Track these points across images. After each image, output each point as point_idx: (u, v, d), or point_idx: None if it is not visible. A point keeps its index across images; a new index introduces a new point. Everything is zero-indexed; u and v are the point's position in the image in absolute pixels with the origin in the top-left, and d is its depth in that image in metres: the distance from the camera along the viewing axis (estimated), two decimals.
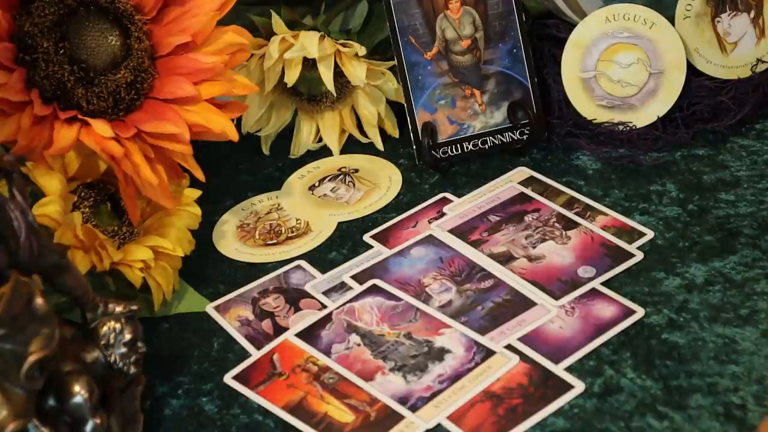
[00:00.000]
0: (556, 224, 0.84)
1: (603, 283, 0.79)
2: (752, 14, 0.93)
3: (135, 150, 0.77)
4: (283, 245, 0.86)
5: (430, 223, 0.86)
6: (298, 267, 0.84)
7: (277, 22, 0.90)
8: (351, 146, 0.96)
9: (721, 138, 0.92)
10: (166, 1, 0.80)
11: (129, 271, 0.77)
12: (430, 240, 0.84)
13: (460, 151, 0.92)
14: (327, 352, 0.76)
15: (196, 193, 0.83)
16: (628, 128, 0.91)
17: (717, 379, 0.71)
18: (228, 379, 0.75)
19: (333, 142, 0.95)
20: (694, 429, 0.68)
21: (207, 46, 0.80)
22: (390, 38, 0.91)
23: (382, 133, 0.95)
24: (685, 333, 0.75)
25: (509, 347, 0.75)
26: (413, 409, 0.71)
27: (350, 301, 0.80)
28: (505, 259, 0.82)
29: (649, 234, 0.83)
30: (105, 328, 0.70)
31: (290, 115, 0.96)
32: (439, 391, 0.72)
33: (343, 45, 0.90)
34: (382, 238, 0.86)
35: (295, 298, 0.81)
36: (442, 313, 0.78)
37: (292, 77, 0.90)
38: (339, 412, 0.72)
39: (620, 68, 0.92)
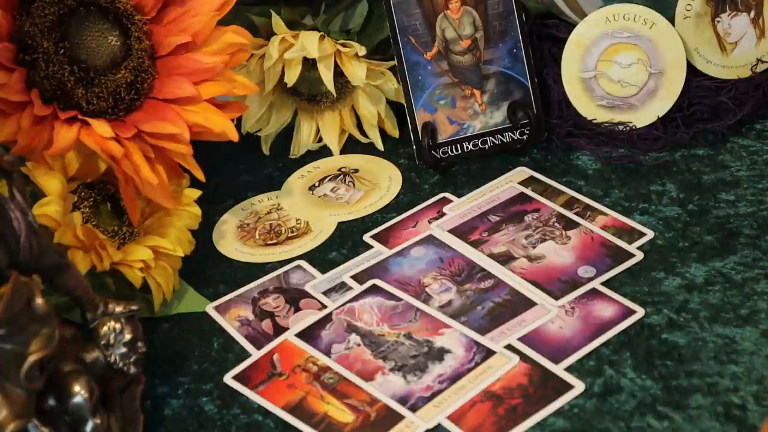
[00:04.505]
0: (556, 224, 0.84)
1: (603, 283, 0.79)
2: (752, 14, 0.93)
3: (135, 150, 0.77)
4: (283, 245, 0.86)
5: (430, 223, 0.86)
6: (298, 267, 0.84)
7: (277, 22, 0.90)
8: (351, 146, 0.96)
9: (721, 138, 0.92)
10: (166, 1, 0.80)
11: (129, 271, 0.77)
12: (430, 240, 0.84)
13: (460, 151, 0.92)
14: (327, 352, 0.76)
15: (196, 193, 0.83)
16: (628, 128, 0.91)
17: (717, 379, 0.71)
18: (228, 379, 0.75)
19: (333, 142, 0.95)
20: (694, 429, 0.68)
21: (207, 46, 0.80)
22: (390, 38, 0.91)
23: (382, 133, 0.95)
24: (685, 333, 0.75)
25: (509, 347, 0.75)
26: (413, 409, 0.71)
27: (350, 301, 0.80)
28: (505, 259, 0.82)
29: (649, 234, 0.83)
30: (105, 328, 0.70)
31: (290, 115, 0.96)
32: (439, 391, 0.72)
33: (343, 45, 0.90)
34: (382, 238, 0.86)
35: (295, 298, 0.81)
36: (442, 313, 0.78)
37: (292, 77, 0.90)
38: (339, 412, 0.72)
39: (620, 68, 0.92)
